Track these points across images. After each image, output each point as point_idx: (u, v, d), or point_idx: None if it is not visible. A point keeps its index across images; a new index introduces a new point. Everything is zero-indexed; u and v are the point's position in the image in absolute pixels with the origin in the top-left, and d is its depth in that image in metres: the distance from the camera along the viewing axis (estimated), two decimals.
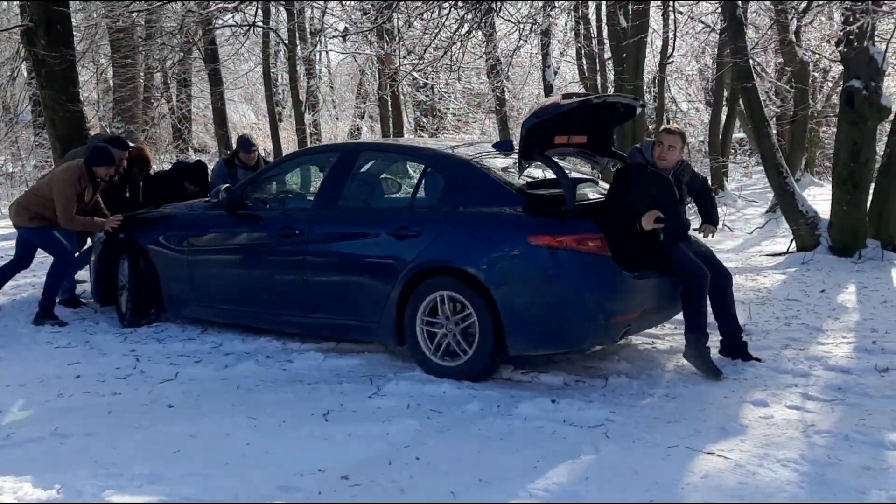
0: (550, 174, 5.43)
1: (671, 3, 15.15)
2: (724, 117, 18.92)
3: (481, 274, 5.15)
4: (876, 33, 9.09)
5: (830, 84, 18.56)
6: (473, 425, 4.51)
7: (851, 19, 8.61)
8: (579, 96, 5.46)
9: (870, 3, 8.68)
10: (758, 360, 5.52)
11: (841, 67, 10.92)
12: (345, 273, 5.76)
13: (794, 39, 13.45)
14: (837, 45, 9.62)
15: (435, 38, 8.66)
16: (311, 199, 6.39)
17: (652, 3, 14.72)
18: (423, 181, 5.72)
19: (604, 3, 14.77)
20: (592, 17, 16.85)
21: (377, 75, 15.56)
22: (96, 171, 6.93)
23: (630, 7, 12.52)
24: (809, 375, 5.26)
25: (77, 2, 13.93)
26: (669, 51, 16.64)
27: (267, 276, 6.14)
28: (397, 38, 11.78)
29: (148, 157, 7.91)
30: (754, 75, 10.45)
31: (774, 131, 17.48)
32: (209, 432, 4.44)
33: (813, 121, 18.25)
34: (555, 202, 5.20)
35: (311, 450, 4.18)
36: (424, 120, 22.85)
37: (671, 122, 22.59)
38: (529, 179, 5.63)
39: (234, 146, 8.58)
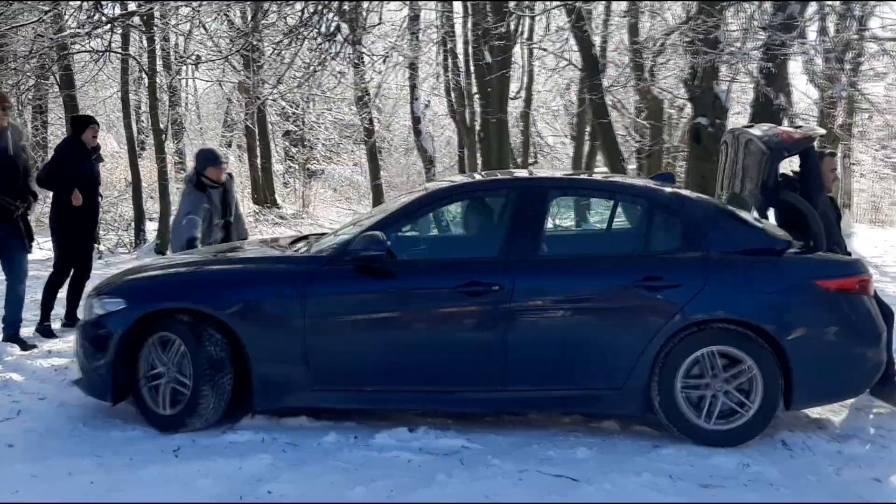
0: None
1: (533, 41, 15.63)
2: (586, 151, 19.63)
3: (770, 325, 4.72)
4: (720, 74, 9.63)
5: (685, 121, 19.54)
6: (329, 457, 4.47)
7: (697, 61, 9.11)
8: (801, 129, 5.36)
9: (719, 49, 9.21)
10: None
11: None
12: (567, 335, 4.84)
13: (648, 78, 14.11)
14: (685, 84, 10.17)
15: (289, 68, 8.65)
16: (495, 245, 5.06)
17: (520, 41, 15.19)
18: (652, 223, 5.13)
19: (469, 38, 15.10)
20: (460, 52, 17.19)
21: (244, 104, 15.37)
22: None
23: (493, 43, 12.85)
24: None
25: None
26: (525, 84, 17.11)
27: (443, 344, 4.89)
28: (257, 67, 11.66)
29: None
30: (615, 110, 10.90)
31: (634, 165, 18.27)
32: (51, 473, 4.23)
33: (669, 155, 19.14)
34: (804, 243, 5.05)
35: (158, 488, 4.05)
36: (293, 150, 22.67)
37: (537, 155, 23.23)
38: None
39: (196, 162, 7.06)
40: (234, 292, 4.95)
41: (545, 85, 21.19)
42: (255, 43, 10.38)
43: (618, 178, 5.85)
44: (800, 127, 5.86)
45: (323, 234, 6.20)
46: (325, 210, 22.64)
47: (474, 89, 15.72)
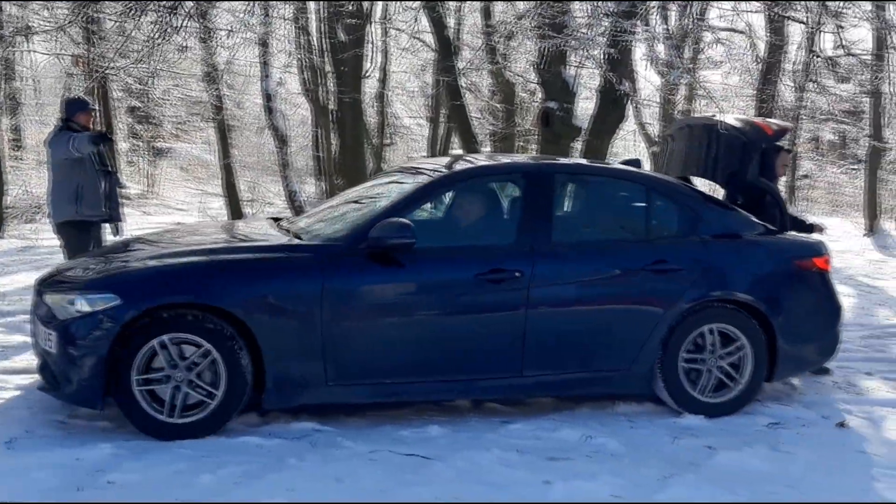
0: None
1: (388, 21, 15.56)
2: (442, 132, 19.79)
3: (761, 303, 5.11)
4: (567, 60, 9.87)
5: (536, 104, 20.00)
6: (174, 444, 4.31)
7: (545, 46, 9.30)
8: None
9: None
10: None
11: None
12: (581, 319, 4.94)
13: (501, 62, 14.32)
14: (535, 69, 10.37)
15: (127, 40, 8.26)
16: (512, 231, 5.04)
17: (373, 20, 15.08)
18: (655, 209, 5.35)
19: (323, 15, 14.87)
20: (313, 29, 16.90)
21: (84, 79, 14.61)
22: None
23: (347, 21, 12.71)
24: None
25: None
26: (380, 64, 17.05)
27: (463, 333, 4.80)
28: (99, 39, 11.08)
29: None
30: (470, 93, 11.00)
31: (489, 147, 18.55)
32: None
33: (521, 138, 19.55)
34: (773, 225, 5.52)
35: None
36: (139, 127, 21.73)
37: (393, 136, 23.21)
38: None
39: (63, 111, 6.69)
40: (247, 285, 4.50)
41: (401, 66, 21.16)
42: (93, 14, 9.85)
43: (618, 165, 5.96)
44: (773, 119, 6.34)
45: (280, 218, 6.01)
46: (172, 190, 21.88)
47: (328, 68, 15.50)
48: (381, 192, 5.42)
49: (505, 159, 6.01)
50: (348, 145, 13.67)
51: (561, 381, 4.99)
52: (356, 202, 5.48)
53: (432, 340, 4.77)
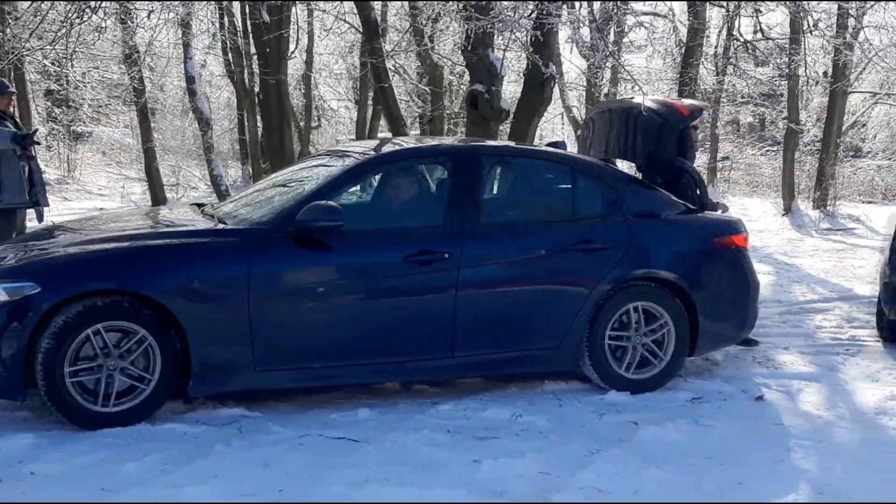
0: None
1: (312, 1, 15.38)
2: (370, 115, 19.66)
3: (683, 281, 5.22)
4: (493, 42, 9.91)
5: (464, 87, 20.04)
6: (98, 433, 4.23)
7: (470, 28, 9.32)
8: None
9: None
10: None
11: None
12: (510, 299, 4.97)
13: (427, 44, 14.29)
14: (462, 51, 10.39)
15: (42, 21, 8.00)
16: (440, 213, 5.03)
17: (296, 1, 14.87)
18: (580, 189, 5.40)
19: None
20: (236, 9, 16.61)
21: None
22: None
23: (270, 1, 12.51)
24: None
25: None
26: (305, 46, 16.87)
27: (392, 315, 4.79)
28: (14, 20, 10.70)
29: None
30: (398, 76, 10.95)
31: (417, 130, 18.53)
32: None
33: (450, 121, 19.58)
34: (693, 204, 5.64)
35: None
36: (57, 111, 21.06)
37: (320, 119, 23.01)
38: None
39: None
40: (171, 270, 4.41)
41: (327, 47, 20.96)
42: None
43: (544, 147, 6.07)
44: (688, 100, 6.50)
45: (204, 204, 5.87)
46: (93, 175, 21.27)
47: (252, 49, 15.25)
48: (308, 175, 5.38)
49: (432, 142, 6.02)
50: (274, 128, 13.48)
51: (491, 360, 5.04)
52: (282, 186, 5.42)
53: (361, 323, 4.75)
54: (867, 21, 17.27)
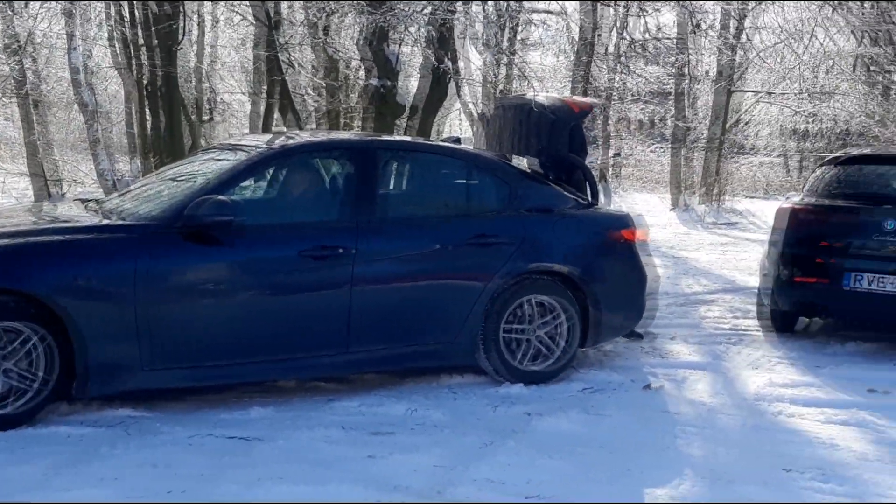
0: None
1: None
2: (263, 108, 19.30)
3: (576, 273, 5.31)
4: (390, 37, 9.90)
5: (361, 81, 19.90)
6: None
7: (366, 23, 9.29)
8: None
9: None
10: None
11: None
12: (407, 294, 4.97)
13: (323, 37, 14.14)
14: (358, 45, 10.34)
15: None
16: (335, 207, 5.08)
17: None
18: (476, 184, 5.47)
19: None
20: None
21: None
22: None
23: None
24: None
25: None
26: (197, 37, 16.48)
27: (287, 311, 4.72)
28: None
29: None
30: (294, 69, 10.80)
31: (314, 124, 18.31)
32: None
33: (347, 116, 19.43)
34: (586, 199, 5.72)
35: None
36: None
37: (213, 113, 22.48)
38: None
39: None
40: (54, 267, 4.24)
41: (221, 39, 20.48)
42: None
43: (440, 143, 6.16)
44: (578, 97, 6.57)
45: (90, 200, 5.62)
46: None
47: (141, 40, 14.77)
48: (199, 169, 5.26)
49: (328, 135, 6.00)
50: (165, 122, 13.12)
51: (387, 355, 5.03)
52: (172, 180, 5.29)
53: (255, 320, 4.66)
54: (749, 23, 18.01)
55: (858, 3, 13.94)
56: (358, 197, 5.01)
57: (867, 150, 8.63)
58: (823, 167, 7.04)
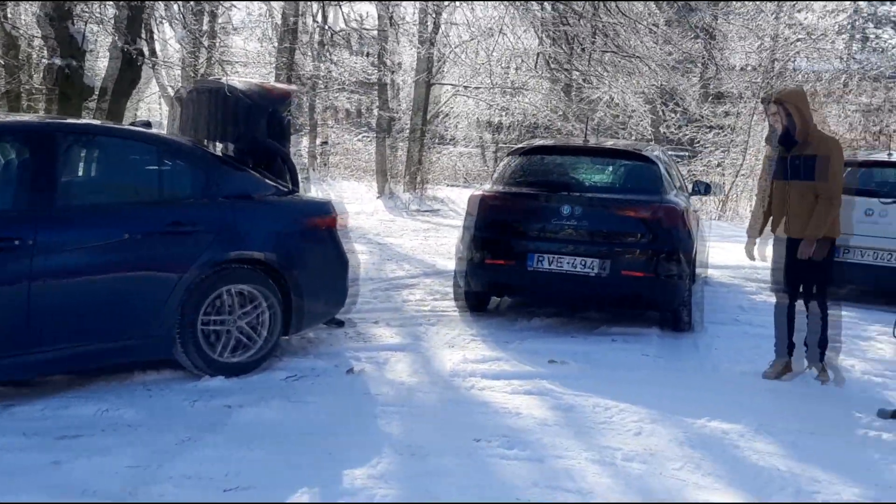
0: None
1: None
2: None
3: (277, 262, 5.25)
4: (74, 15, 9.21)
5: (44, 61, 18.36)
6: None
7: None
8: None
9: None
10: None
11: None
12: (96, 287, 4.63)
13: (1, 12, 12.87)
14: (39, 23, 9.52)
15: None
16: (9, 195, 4.57)
17: None
18: (169, 170, 5.20)
19: None
20: None
21: None
22: None
23: None
24: None
25: None
26: None
27: None
28: None
29: None
30: None
31: None
32: None
33: (31, 98, 17.83)
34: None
35: None
36: None
37: None
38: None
39: None
40: None
41: None
42: None
43: (128, 127, 5.68)
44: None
45: None
46: None
47: None
48: None
49: (2, 118, 5.45)
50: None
51: (76, 354, 4.68)
52: None
53: None
54: (445, 19, 18.86)
55: (538, 3, 15.04)
56: (36, 184, 4.60)
57: (549, 142, 9.41)
58: (509, 157, 7.57)
